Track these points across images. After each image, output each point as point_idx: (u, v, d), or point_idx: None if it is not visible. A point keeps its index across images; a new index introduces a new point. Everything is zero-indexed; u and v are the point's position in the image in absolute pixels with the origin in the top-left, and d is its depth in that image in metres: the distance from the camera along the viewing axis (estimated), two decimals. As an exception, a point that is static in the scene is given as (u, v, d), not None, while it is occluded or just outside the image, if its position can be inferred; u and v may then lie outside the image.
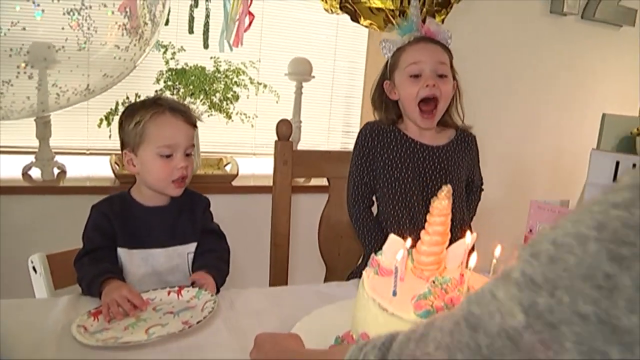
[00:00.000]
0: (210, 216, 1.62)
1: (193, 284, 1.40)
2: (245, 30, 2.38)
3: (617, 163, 1.61)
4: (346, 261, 1.98)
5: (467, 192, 1.80)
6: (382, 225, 1.72)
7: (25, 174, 2.38)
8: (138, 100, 1.61)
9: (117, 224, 1.46)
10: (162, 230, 1.51)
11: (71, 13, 1.78)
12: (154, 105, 1.46)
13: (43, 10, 1.72)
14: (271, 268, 1.91)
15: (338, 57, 2.95)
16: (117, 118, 2.45)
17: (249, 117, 2.63)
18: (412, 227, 1.65)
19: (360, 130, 1.76)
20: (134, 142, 1.47)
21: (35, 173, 2.38)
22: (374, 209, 1.78)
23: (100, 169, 2.52)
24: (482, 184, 1.85)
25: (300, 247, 2.18)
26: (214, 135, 2.73)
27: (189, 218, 1.55)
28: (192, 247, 1.54)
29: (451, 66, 1.69)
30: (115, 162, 2.47)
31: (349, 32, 2.93)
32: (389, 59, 1.72)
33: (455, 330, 0.65)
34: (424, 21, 1.72)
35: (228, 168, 2.67)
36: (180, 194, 1.51)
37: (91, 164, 2.56)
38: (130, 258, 1.47)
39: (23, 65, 1.76)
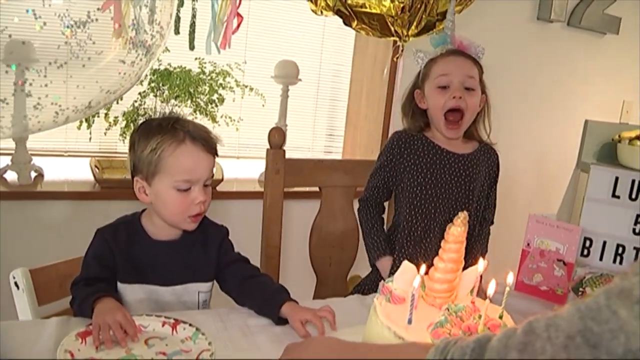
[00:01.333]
0: (229, 246, 1.49)
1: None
2: (233, 32, 2.30)
3: (617, 178, 1.59)
4: (337, 272, 1.95)
5: (480, 222, 1.77)
6: (394, 229, 1.75)
7: (0, 177, 2.29)
8: (152, 118, 1.45)
9: (120, 256, 1.35)
10: (170, 267, 1.39)
11: (73, 26, 1.69)
12: (172, 129, 1.33)
13: (45, 23, 1.63)
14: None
15: (324, 59, 2.90)
16: (97, 119, 2.40)
17: (234, 120, 2.57)
18: (425, 235, 1.69)
19: (390, 138, 1.77)
20: (147, 171, 1.33)
21: (11, 176, 2.29)
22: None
23: (79, 172, 2.43)
24: (493, 215, 1.83)
25: (290, 254, 2.13)
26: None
27: (202, 254, 1.43)
28: (203, 286, 1.43)
29: (480, 80, 1.72)
30: (96, 165, 2.39)
31: (335, 33, 2.88)
32: (421, 69, 1.75)
33: (571, 346, 0.63)
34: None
35: (211, 172, 2.59)
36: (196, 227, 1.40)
37: (70, 167, 2.47)
38: (133, 293, 1.37)
39: (20, 82, 1.67)
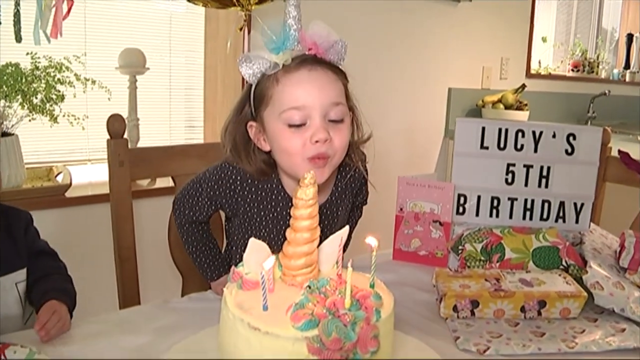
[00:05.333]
0: (35, 234, 1.30)
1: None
2: (64, 18, 2.07)
3: (483, 129, 1.51)
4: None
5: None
6: (228, 253, 1.48)
7: None
8: None
9: None
10: None
11: None
12: None
13: None
14: (119, 287, 1.65)
15: (174, 46, 2.70)
16: None
17: (78, 118, 2.32)
18: None
19: (221, 171, 1.31)
20: None
21: None
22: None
23: None
24: (366, 198, 1.52)
25: (150, 258, 1.94)
26: (40, 142, 2.40)
27: (8, 240, 1.23)
28: (20, 274, 1.23)
29: (347, 97, 1.24)
30: None
31: (183, 18, 2.69)
32: (253, 86, 1.22)
33: None
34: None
35: (60, 178, 2.34)
36: None
37: None
38: None
39: None
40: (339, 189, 1.36)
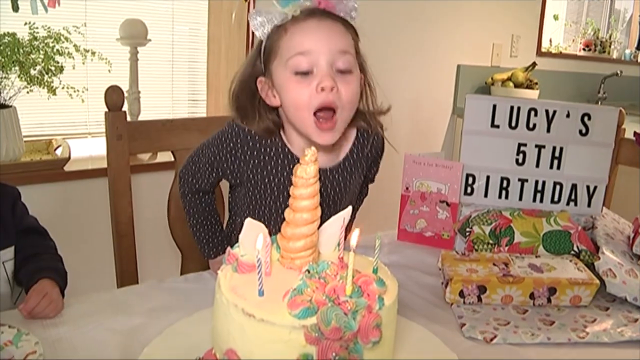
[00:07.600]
0: (23, 210, 1.25)
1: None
2: (62, -13, 2.01)
3: (494, 106, 1.45)
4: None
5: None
6: (230, 226, 1.44)
7: None
8: None
9: None
10: None
11: None
12: None
13: None
14: (117, 263, 1.61)
15: (177, 17, 2.64)
16: None
17: (78, 90, 2.27)
18: None
19: (226, 132, 1.26)
20: None
21: None
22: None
23: None
24: (367, 187, 1.50)
25: (149, 234, 1.89)
26: (39, 115, 2.35)
27: None
28: (7, 253, 1.19)
29: (357, 52, 1.22)
30: None
31: (187, -11, 2.63)
32: (263, 42, 1.20)
33: None
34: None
35: (59, 152, 2.30)
36: None
37: None
38: None
39: None
40: (355, 154, 1.31)
